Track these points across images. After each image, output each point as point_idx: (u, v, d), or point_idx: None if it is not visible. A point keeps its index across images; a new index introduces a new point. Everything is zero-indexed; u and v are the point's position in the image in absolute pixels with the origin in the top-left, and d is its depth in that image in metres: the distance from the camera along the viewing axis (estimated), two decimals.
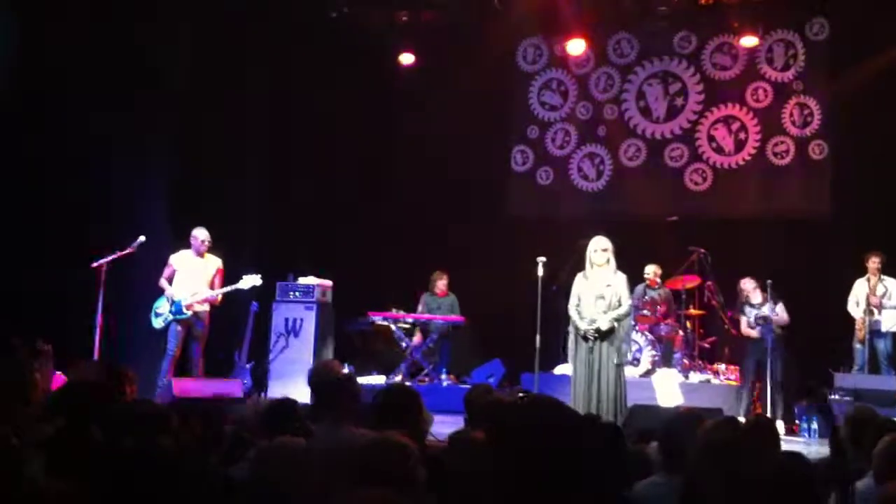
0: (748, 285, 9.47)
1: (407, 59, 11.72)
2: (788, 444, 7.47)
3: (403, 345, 10.69)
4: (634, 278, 10.40)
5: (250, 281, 8.99)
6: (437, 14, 11.61)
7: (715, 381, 9.76)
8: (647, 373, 9.72)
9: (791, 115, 11.29)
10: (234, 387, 8.12)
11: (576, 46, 11.78)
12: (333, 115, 11.22)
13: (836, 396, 8.57)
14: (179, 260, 8.97)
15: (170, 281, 8.90)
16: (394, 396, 4.14)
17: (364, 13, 11.51)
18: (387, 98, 11.79)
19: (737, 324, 9.66)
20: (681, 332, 10.22)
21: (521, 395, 6.94)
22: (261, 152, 11.06)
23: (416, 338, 10.81)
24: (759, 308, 9.33)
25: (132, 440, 3.37)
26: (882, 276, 9.58)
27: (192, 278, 8.91)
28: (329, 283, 10.16)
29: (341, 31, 11.45)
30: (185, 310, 8.76)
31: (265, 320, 9.77)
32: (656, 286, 10.40)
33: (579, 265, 7.89)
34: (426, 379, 10.43)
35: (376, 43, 11.65)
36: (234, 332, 9.48)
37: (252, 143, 10.88)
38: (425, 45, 11.70)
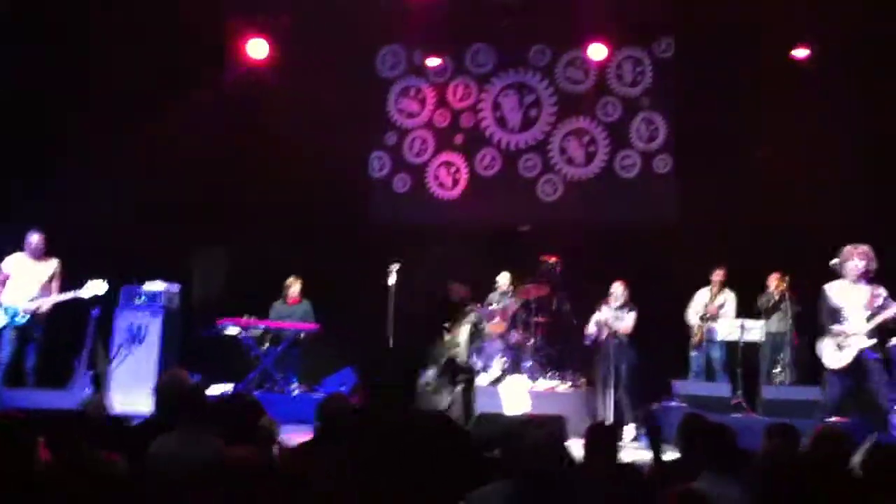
0: (617, 289, 9.63)
1: (260, 52, 11.37)
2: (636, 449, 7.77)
3: (253, 353, 10.41)
4: (487, 286, 10.57)
5: (93, 288, 8.63)
6: (297, 16, 11.40)
7: (562, 387, 9.97)
8: (497, 380, 9.84)
9: (638, 129, 11.71)
10: (67, 398, 7.74)
11: (434, 61, 11.96)
12: (185, 116, 10.81)
13: (674, 403, 8.94)
14: (13, 264, 8.65)
15: (3, 286, 8.55)
16: (230, 406, 4.03)
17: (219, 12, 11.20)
18: (242, 99, 11.46)
19: (581, 332, 9.91)
20: (531, 340, 10.41)
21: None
22: (107, 151, 10.53)
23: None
24: (615, 311, 9.61)
25: None
26: (723, 289, 10.08)
27: (28, 282, 8.61)
28: (177, 288, 9.83)
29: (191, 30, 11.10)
30: (21, 315, 8.43)
31: (108, 326, 9.38)
32: (508, 294, 10.55)
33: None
34: (276, 388, 10.20)
35: (229, 44, 11.34)
36: (73, 338, 9.04)
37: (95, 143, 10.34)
38: (282, 46, 11.46)
